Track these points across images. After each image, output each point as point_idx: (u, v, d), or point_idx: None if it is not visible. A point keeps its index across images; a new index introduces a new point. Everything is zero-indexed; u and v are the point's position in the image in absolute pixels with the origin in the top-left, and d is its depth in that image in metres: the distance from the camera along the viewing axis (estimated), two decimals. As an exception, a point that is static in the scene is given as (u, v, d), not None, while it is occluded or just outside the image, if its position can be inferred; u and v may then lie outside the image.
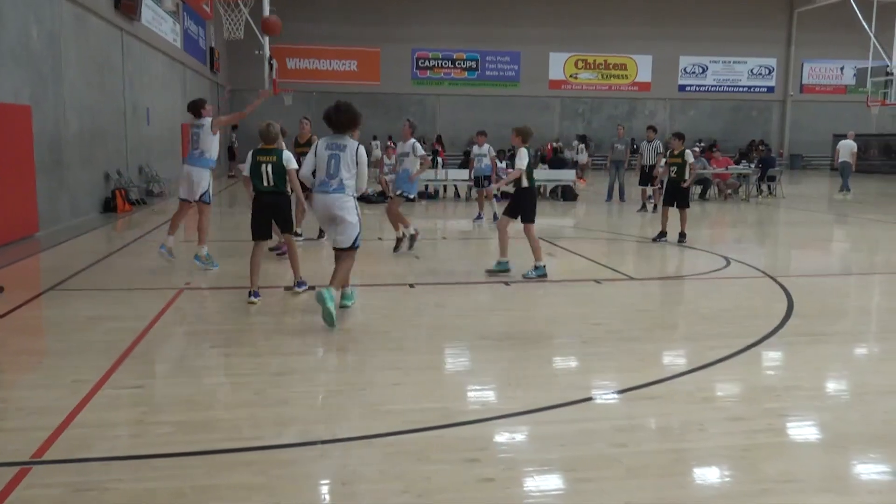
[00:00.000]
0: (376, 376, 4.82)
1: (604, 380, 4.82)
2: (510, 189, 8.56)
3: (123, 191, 14.75)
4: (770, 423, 4.06)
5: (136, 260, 9.15)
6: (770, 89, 36.96)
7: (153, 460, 3.49)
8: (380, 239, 10.85)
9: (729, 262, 9.29)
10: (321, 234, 10.32)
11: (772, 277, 8.27)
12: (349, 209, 6.15)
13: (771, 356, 5.43)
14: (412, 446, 3.67)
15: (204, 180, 8.43)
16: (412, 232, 9.67)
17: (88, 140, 13.49)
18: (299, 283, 7.20)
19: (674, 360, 5.39)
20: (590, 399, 4.41)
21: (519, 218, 8.11)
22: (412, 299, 7.23)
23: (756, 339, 5.66)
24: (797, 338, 5.81)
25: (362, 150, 6.30)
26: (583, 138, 29.25)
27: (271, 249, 8.86)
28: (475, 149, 14.49)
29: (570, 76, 35.45)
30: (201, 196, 8.46)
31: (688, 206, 11.04)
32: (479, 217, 14.09)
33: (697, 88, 36.37)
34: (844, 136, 22.07)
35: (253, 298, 6.68)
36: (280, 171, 6.85)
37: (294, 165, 6.93)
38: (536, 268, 8.00)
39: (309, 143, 9.91)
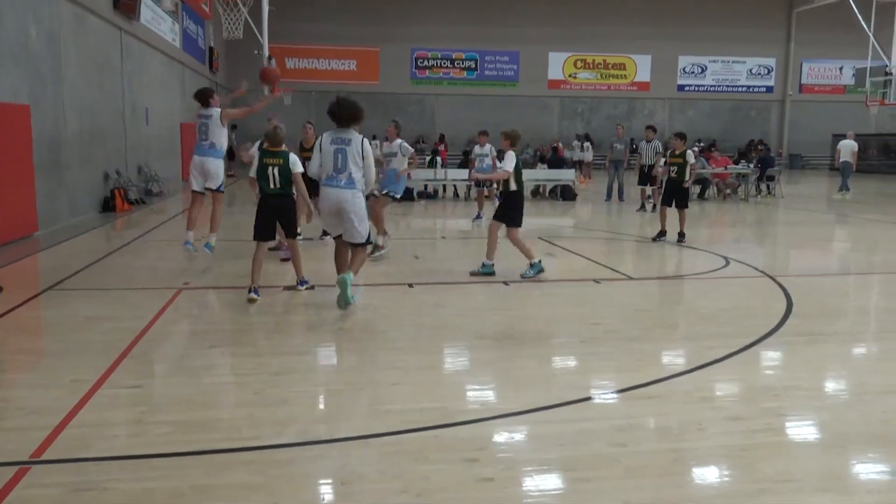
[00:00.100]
0: (375, 376, 4.83)
1: (603, 379, 4.83)
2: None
3: (122, 190, 14.73)
4: (769, 422, 4.06)
5: (134, 259, 9.15)
6: (769, 89, 36.98)
7: (152, 460, 3.49)
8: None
9: (728, 261, 9.30)
10: (323, 234, 10.31)
11: (771, 277, 8.28)
12: (359, 206, 6.32)
13: (770, 356, 5.44)
14: (411, 446, 3.67)
15: (220, 170, 8.47)
16: (380, 243, 9.28)
17: (87, 139, 13.48)
18: (301, 282, 7.25)
19: (673, 359, 5.39)
20: (589, 399, 4.41)
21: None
22: (411, 299, 7.23)
23: (755, 338, 5.67)
24: (796, 337, 5.82)
25: (367, 142, 6.46)
26: (586, 137, 29.19)
27: (271, 249, 8.86)
28: (477, 149, 14.49)
29: (570, 76, 35.45)
30: (218, 186, 8.49)
31: (686, 206, 11.04)
32: (478, 217, 14.08)
33: (696, 88, 36.38)
34: (843, 136, 22.06)
35: (253, 295, 6.71)
36: (286, 173, 6.91)
37: (300, 169, 7.02)
38: (532, 265, 8.00)
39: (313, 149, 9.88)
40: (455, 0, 33.56)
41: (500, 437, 3.86)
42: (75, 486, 3.21)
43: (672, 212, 10.97)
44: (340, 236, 6.55)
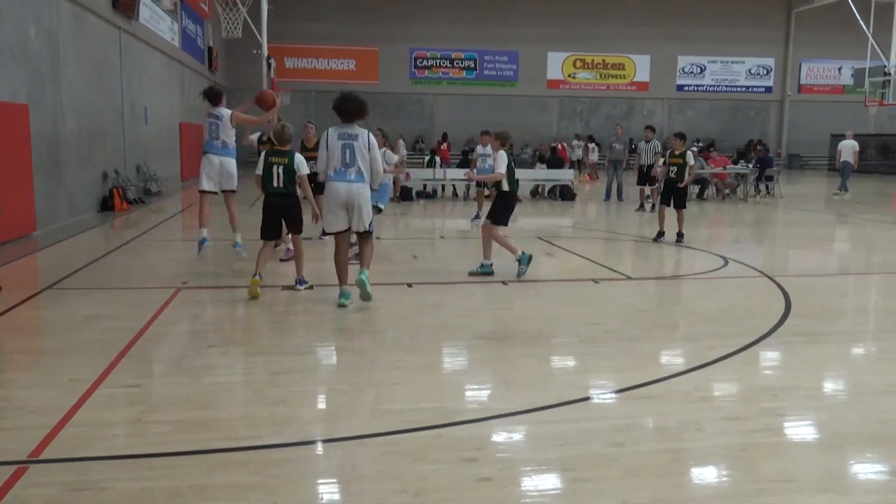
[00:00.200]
0: (374, 376, 4.82)
1: (601, 379, 4.83)
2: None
3: (121, 190, 14.73)
4: (767, 422, 4.06)
5: (133, 259, 9.14)
6: (768, 89, 37.01)
7: (150, 459, 3.48)
8: (378, 238, 10.83)
9: (727, 261, 9.30)
10: (323, 233, 10.30)
11: (769, 277, 8.28)
12: (367, 197, 6.49)
13: (768, 356, 5.44)
14: (410, 446, 3.67)
15: (235, 170, 8.48)
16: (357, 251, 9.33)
17: (86, 139, 13.47)
18: (300, 282, 7.25)
19: (671, 359, 5.39)
20: (588, 399, 4.41)
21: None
22: (410, 299, 7.23)
23: (754, 338, 5.67)
24: (795, 337, 5.82)
25: (372, 136, 6.57)
26: (590, 138, 29.11)
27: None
28: (479, 148, 14.47)
29: (569, 76, 35.46)
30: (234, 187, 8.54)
31: (685, 206, 11.04)
32: (477, 216, 14.07)
33: (695, 88, 36.40)
34: (842, 137, 22.08)
35: (257, 278, 6.84)
36: (290, 173, 6.97)
37: (306, 170, 7.09)
38: (518, 260, 7.98)
39: (316, 148, 9.83)
40: (454, 0, 33.57)
41: (499, 437, 3.86)
42: (74, 486, 3.21)
43: (671, 212, 10.97)
44: (342, 233, 6.57)
